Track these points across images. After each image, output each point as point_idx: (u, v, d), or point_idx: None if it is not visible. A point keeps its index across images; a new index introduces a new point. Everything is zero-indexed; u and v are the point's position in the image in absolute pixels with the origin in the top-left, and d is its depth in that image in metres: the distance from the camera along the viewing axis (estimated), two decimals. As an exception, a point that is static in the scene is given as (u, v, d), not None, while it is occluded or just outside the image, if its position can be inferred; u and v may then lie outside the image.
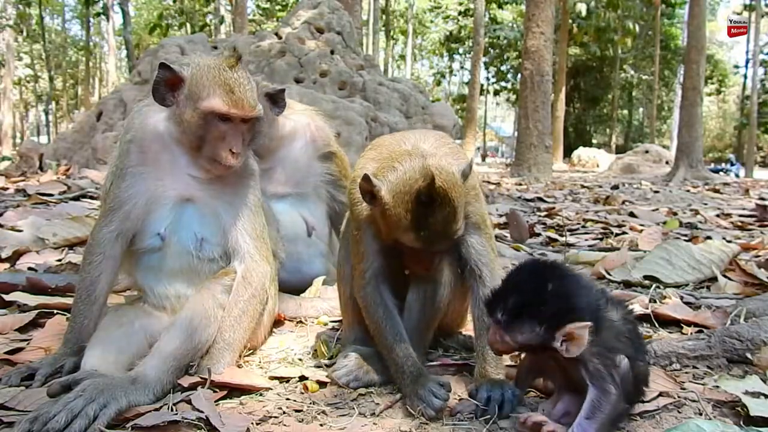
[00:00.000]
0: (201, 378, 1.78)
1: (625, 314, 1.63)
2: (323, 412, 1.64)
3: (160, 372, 1.69)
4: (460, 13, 48.25)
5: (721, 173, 24.13)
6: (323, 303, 2.67)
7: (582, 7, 33.99)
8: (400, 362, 1.80)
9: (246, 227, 2.02)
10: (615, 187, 11.98)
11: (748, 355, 1.95)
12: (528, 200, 8.48)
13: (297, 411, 1.65)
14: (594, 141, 48.35)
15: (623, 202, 8.47)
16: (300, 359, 2.08)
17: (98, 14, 31.81)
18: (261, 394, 1.76)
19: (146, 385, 1.65)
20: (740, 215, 6.82)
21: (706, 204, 8.76)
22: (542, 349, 1.53)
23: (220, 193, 2.01)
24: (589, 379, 1.50)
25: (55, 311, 2.41)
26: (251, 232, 2.03)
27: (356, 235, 1.95)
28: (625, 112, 51.67)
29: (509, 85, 48.20)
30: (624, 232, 5.02)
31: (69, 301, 2.19)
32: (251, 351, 2.11)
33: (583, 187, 12.89)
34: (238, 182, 2.04)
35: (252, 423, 1.54)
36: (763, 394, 1.68)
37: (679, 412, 1.66)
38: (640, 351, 1.62)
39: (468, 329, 2.34)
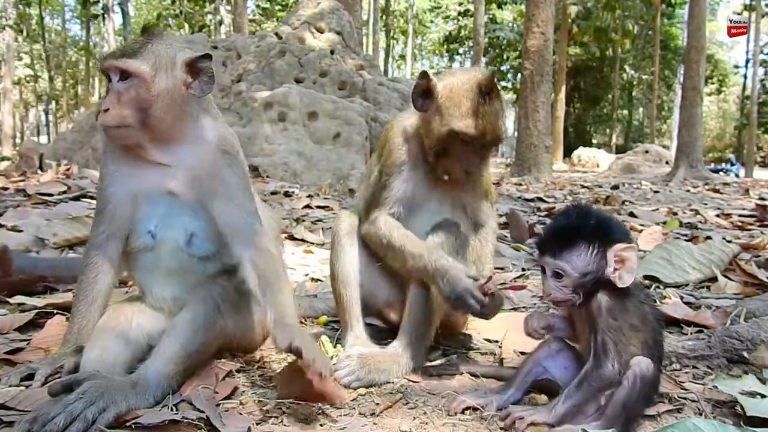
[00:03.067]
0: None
1: (654, 310, 1.65)
2: (323, 412, 1.64)
3: (161, 376, 1.68)
4: (459, 13, 48.26)
5: (721, 173, 24.12)
6: (322, 303, 2.67)
7: (574, 10, 33.90)
8: (429, 258, 1.87)
9: (239, 215, 1.91)
10: (615, 187, 11.97)
11: (745, 354, 1.95)
12: (528, 200, 8.46)
13: (297, 411, 1.65)
14: (594, 141, 48.33)
15: (623, 202, 8.46)
16: (300, 359, 2.08)
17: (95, 16, 31.65)
18: (261, 394, 1.76)
19: (147, 389, 1.64)
20: (740, 215, 6.81)
21: (706, 204, 8.76)
22: (594, 288, 1.57)
23: (200, 181, 1.89)
24: (593, 349, 1.54)
25: (55, 311, 2.41)
26: (246, 219, 1.91)
27: (384, 182, 2.04)
28: (625, 112, 51.63)
29: (509, 85, 48.19)
30: (624, 232, 5.00)
31: (69, 301, 2.19)
32: (251, 351, 2.11)
33: (583, 187, 12.88)
34: (217, 165, 1.90)
35: (252, 423, 1.54)
36: (760, 394, 1.68)
37: (679, 413, 1.66)
38: (659, 349, 1.62)
39: (468, 330, 2.34)
